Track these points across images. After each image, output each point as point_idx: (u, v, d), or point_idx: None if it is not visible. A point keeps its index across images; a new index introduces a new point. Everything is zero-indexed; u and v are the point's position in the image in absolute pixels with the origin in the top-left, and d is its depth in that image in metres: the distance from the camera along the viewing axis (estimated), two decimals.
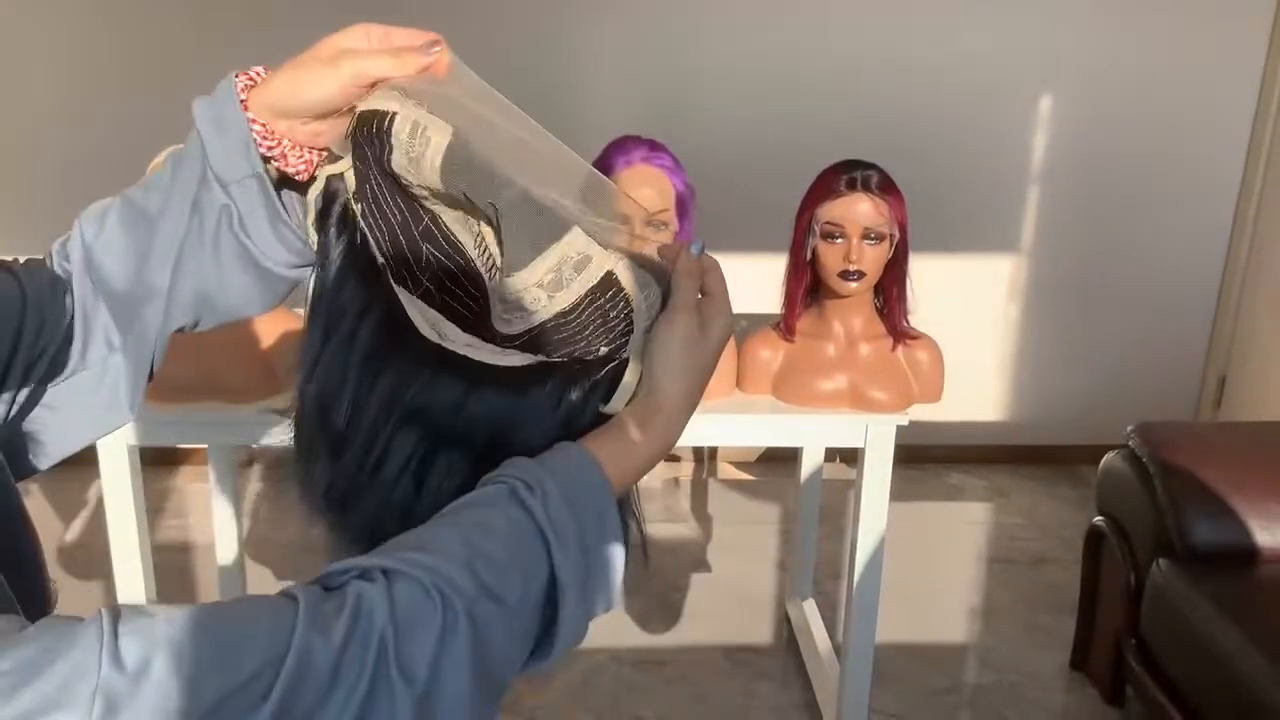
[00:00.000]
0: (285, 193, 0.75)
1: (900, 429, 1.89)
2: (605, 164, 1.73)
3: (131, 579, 1.92)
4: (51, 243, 0.77)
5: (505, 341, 0.73)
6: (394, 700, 0.54)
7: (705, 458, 3.62)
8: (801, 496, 2.52)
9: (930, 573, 2.88)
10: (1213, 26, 3.20)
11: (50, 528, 3.01)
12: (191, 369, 1.81)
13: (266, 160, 0.72)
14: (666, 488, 3.43)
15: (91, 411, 0.80)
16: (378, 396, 0.71)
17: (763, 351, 1.91)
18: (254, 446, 3.42)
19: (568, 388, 0.71)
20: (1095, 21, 3.19)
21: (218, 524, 2.46)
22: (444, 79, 0.71)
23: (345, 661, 0.53)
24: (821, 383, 1.87)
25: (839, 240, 1.78)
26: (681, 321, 0.71)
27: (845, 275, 1.79)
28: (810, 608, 2.58)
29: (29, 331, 0.72)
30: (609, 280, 0.71)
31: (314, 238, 0.75)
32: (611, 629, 2.59)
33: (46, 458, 0.79)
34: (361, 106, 0.70)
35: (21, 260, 0.76)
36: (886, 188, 1.78)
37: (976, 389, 3.50)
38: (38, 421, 0.77)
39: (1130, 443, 2.23)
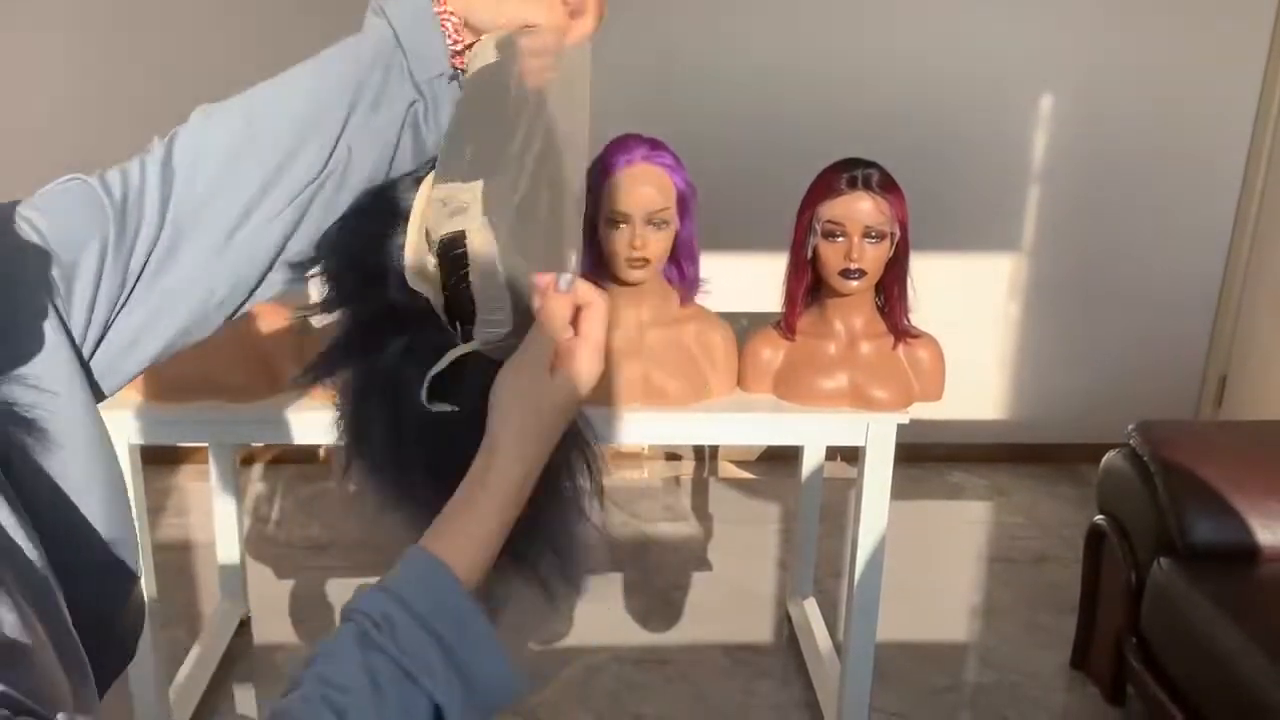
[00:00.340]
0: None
1: (901, 428, 1.89)
2: (606, 162, 1.73)
3: None
4: None
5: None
6: None
7: (706, 456, 3.62)
8: (802, 495, 2.52)
9: (931, 572, 2.88)
10: (1213, 25, 3.20)
11: None
12: (192, 368, 1.81)
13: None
14: (667, 486, 3.43)
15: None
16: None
17: (764, 350, 1.91)
18: (255, 445, 3.45)
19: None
20: (1096, 20, 3.19)
21: (218, 522, 2.46)
22: (563, 52, 0.77)
23: None
24: (822, 381, 1.87)
25: (840, 239, 1.78)
26: (526, 364, 0.71)
27: (846, 274, 1.79)
28: (811, 606, 2.58)
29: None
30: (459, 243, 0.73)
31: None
32: (612, 627, 2.59)
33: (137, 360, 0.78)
34: (472, 54, 0.77)
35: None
36: (887, 186, 1.78)
37: (977, 388, 3.50)
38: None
39: (1131, 441, 2.23)
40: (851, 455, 3.39)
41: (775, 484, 3.41)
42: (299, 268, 0.81)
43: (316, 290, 0.81)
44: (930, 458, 3.50)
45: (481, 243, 0.71)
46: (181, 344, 0.79)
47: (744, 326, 1.98)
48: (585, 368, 0.71)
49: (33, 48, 3.05)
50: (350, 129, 0.77)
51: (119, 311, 0.74)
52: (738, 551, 3.01)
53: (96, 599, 0.70)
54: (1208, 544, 2.03)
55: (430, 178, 0.76)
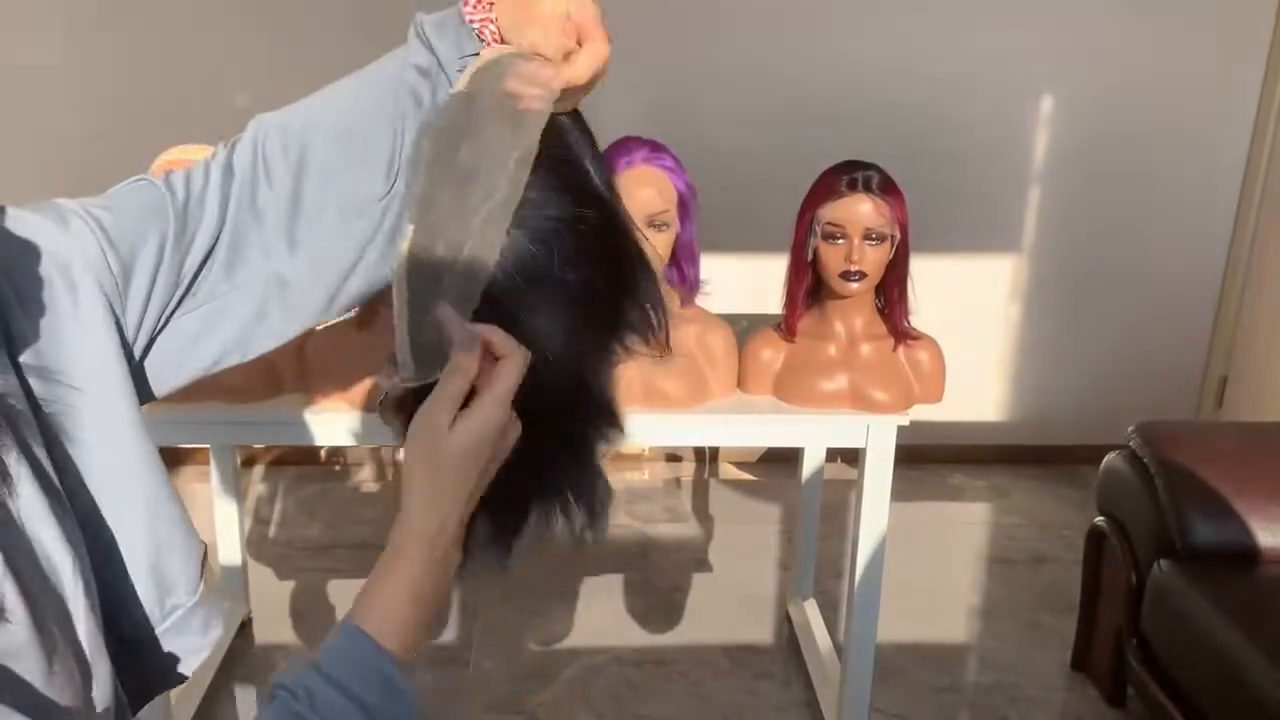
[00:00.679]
0: None
1: (901, 429, 1.89)
2: (607, 165, 1.73)
3: None
4: None
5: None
6: None
7: (706, 458, 3.62)
8: (803, 496, 2.52)
9: (931, 572, 2.88)
10: (1214, 27, 3.20)
11: None
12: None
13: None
14: (668, 488, 3.43)
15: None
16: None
17: (764, 352, 1.91)
18: (256, 446, 3.45)
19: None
20: (1096, 22, 3.19)
21: (219, 524, 2.46)
22: (539, 90, 0.75)
23: None
24: (823, 383, 1.88)
25: (840, 241, 1.79)
26: (423, 424, 0.72)
27: (846, 276, 1.79)
28: (811, 607, 2.59)
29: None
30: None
31: None
32: (613, 628, 2.59)
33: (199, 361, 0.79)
34: (476, 64, 0.76)
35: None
36: (887, 188, 1.78)
37: (977, 389, 3.50)
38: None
39: (1131, 443, 2.23)
40: (852, 457, 3.39)
41: (776, 485, 3.41)
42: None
43: None
44: (930, 459, 3.51)
45: (397, 292, 0.73)
46: (234, 358, 0.79)
47: (744, 328, 1.98)
48: (480, 416, 0.71)
49: (34, 47, 3.05)
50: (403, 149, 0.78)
51: (173, 313, 0.75)
52: (738, 552, 3.01)
53: (130, 612, 0.70)
54: (1208, 545, 2.03)
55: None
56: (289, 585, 2.76)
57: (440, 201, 0.73)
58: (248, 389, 1.83)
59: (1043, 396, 3.54)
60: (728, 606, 2.71)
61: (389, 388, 0.76)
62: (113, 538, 0.69)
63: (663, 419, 1.86)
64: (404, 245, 0.73)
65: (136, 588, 0.70)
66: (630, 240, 0.83)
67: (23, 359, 0.64)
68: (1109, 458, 2.32)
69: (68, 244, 0.69)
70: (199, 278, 0.75)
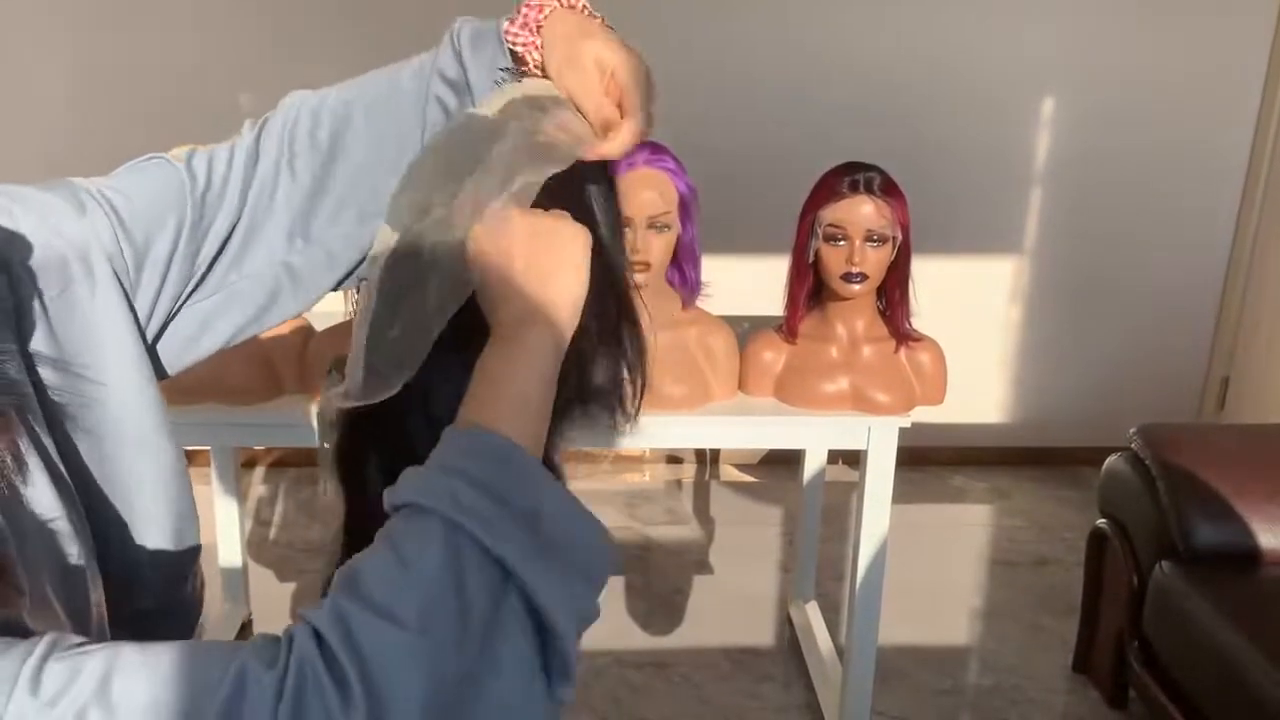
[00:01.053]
0: None
1: (902, 431, 1.89)
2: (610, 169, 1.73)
3: None
4: None
5: None
6: None
7: (708, 460, 3.62)
8: (804, 498, 2.52)
9: (932, 574, 2.88)
10: (1215, 27, 3.20)
11: None
12: (194, 370, 1.81)
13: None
14: (669, 489, 3.43)
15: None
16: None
17: (765, 353, 1.91)
18: (256, 448, 3.45)
19: None
20: (1097, 23, 3.19)
21: (220, 525, 2.46)
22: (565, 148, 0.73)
23: (287, 689, 0.52)
24: (824, 385, 1.87)
25: (841, 243, 1.78)
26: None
27: (848, 278, 1.79)
28: (813, 609, 2.58)
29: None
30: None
31: None
32: (614, 631, 2.59)
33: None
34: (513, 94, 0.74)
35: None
36: (889, 190, 1.78)
37: (979, 391, 3.50)
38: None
39: (1133, 444, 2.23)
40: (853, 458, 3.38)
41: (777, 487, 3.41)
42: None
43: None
44: (932, 461, 3.50)
45: (363, 302, 0.72)
46: (249, 333, 0.80)
47: (745, 330, 1.98)
48: (550, 214, 0.71)
49: (35, 47, 3.05)
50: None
51: (186, 301, 0.75)
52: (739, 555, 3.01)
53: (148, 584, 0.71)
54: (1210, 547, 2.02)
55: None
56: (289, 587, 2.76)
57: (432, 214, 0.72)
58: (248, 390, 1.83)
59: (1044, 398, 3.54)
60: (729, 609, 2.71)
61: (329, 399, 0.74)
62: (130, 520, 0.70)
63: (664, 420, 1.85)
64: (381, 249, 0.72)
65: (159, 556, 0.71)
66: (626, 300, 0.81)
67: (38, 348, 0.65)
68: (1110, 459, 2.32)
69: (85, 229, 0.68)
70: (212, 269, 0.75)
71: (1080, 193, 3.34)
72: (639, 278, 1.77)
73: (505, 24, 0.76)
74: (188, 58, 3.03)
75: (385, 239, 0.72)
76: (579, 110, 0.74)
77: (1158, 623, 2.08)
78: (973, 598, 2.79)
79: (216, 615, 2.52)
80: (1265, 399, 3.24)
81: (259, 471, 3.45)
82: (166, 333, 0.75)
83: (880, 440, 1.88)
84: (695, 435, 2.13)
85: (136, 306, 0.71)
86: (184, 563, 0.74)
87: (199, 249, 0.73)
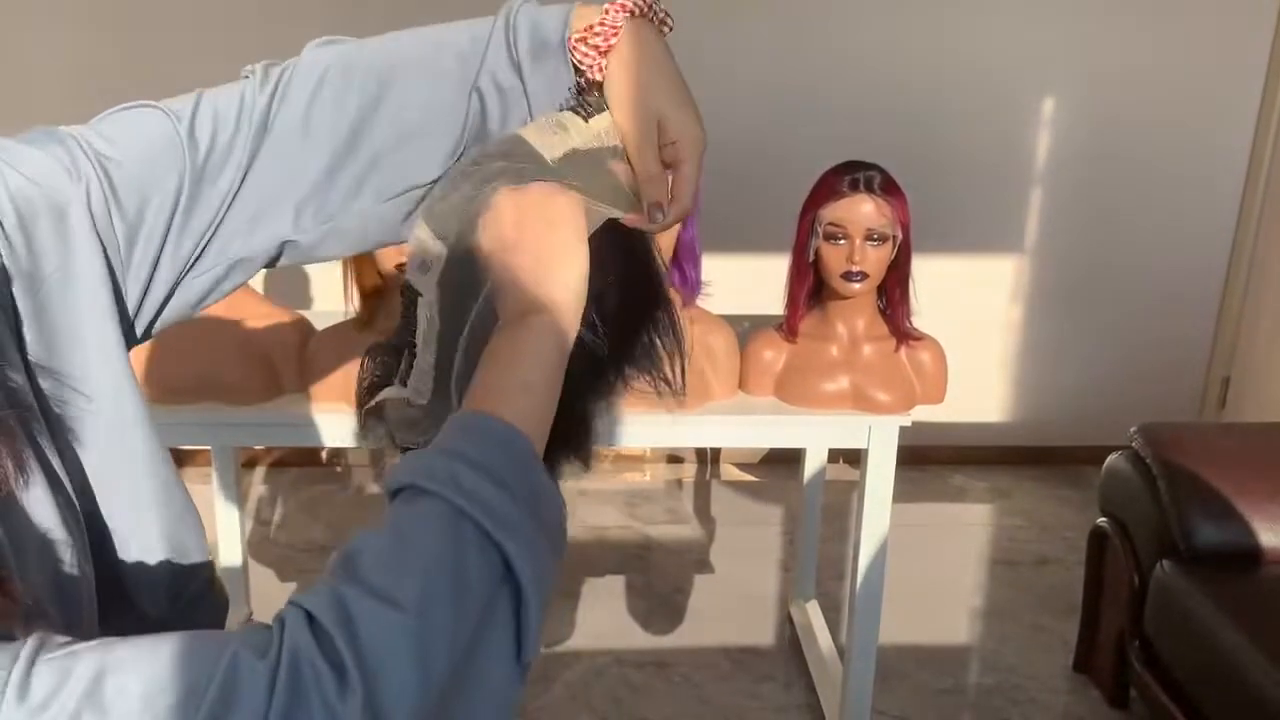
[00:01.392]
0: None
1: (903, 430, 1.88)
2: None
3: None
4: None
5: None
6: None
7: (708, 459, 3.62)
8: (804, 498, 2.52)
9: (933, 574, 2.88)
10: (1216, 27, 3.20)
11: None
12: (193, 370, 1.81)
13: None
14: (669, 489, 3.43)
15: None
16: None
17: (765, 353, 1.91)
18: (257, 448, 3.45)
19: None
20: (1098, 22, 3.19)
21: (220, 525, 2.46)
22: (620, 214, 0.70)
23: (280, 677, 0.51)
24: (824, 384, 1.87)
25: (841, 241, 1.78)
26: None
27: (848, 276, 1.79)
28: (813, 609, 2.58)
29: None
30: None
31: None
32: (614, 630, 2.59)
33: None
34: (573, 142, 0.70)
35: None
36: (889, 189, 1.78)
37: (979, 390, 3.50)
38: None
39: (1133, 444, 2.23)
40: (854, 457, 3.38)
41: (777, 486, 3.41)
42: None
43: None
44: (932, 460, 3.50)
45: (426, 317, 0.69)
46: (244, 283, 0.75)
47: (746, 329, 1.98)
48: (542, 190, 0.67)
49: (37, 46, 3.05)
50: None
51: (181, 278, 0.70)
52: (740, 554, 3.00)
53: (150, 589, 0.69)
54: (1210, 546, 2.02)
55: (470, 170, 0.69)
56: (290, 587, 2.76)
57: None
58: (247, 390, 1.83)
59: (1045, 397, 3.54)
60: (729, 608, 2.71)
61: (389, 398, 0.71)
62: (127, 527, 0.68)
63: (664, 420, 1.85)
64: (429, 257, 0.68)
65: (155, 561, 0.69)
66: (653, 266, 0.77)
67: (33, 358, 0.62)
68: (1111, 459, 2.31)
69: (77, 196, 0.63)
70: (210, 244, 0.69)
71: (1081, 192, 3.34)
72: None
73: (570, 36, 0.70)
74: (187, 54, 3.03)
75: (430, 248, 0.68)
76: (628, 158, 0.71)
77: (1159, 622, 2.08)
78: (973, 597, 2.79)
79: None
80: (1266, 398, 3.24)
81: (259, 471, 3.45)
82: (165, 311, 0.71)
83: (881, 439, 1.88)
84: (696, 434, 2.13)
85: (126, 288, 0.67)
86: (183, 571, 0.71)
87: (189, 223, 0.68)
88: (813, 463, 2.49)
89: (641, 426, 1.86)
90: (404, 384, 0.70)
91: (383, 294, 1.79)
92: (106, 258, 0.65)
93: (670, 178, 0.73)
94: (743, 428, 1.92)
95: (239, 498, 2.48)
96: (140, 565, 0.69)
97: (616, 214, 0.70)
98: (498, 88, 0.71)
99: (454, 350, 0.68)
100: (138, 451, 0.68)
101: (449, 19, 0.76)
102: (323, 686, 0.50)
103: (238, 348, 1.83)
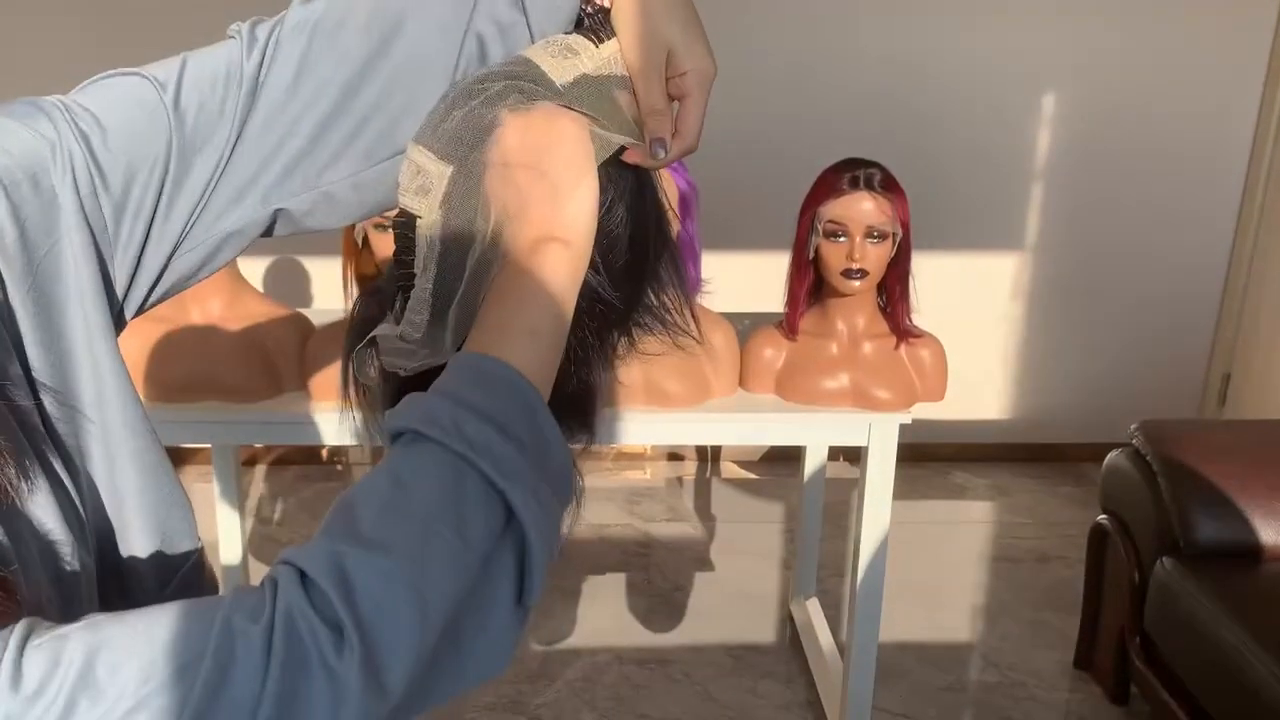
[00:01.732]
0: None
1: (903, 427, 1.88)
2: None
3: None
4: None
5: None
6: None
7: (709, 457, 3.62)
8: (805, 495, 2.52)
9: (934, 571, 2.88)
10: (1216, 24, 3.19)
11: None
12: (194, 368, 1.81)
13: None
14: (670, 487, 3.43)
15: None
16: None
17: (766, 350, 1.91)
18: (257, 446, 3.45)
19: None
20: (1098, 18, 3.18)
21: (221, 524, 2.46)
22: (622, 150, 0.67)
23: (276, 640, 0.49)
24: (825, 381, 1.87)
25: (842, 239, 1.78)
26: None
27: (848, 274, 1.79)
28: (814, 606, 2.58)
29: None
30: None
31: None
32: (615, 628, 2.59)
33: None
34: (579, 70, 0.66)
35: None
36: (889, 186, 1.78)
37: (980, 387, 3.50)
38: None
39: (1134, 441, 2.23)
40: (854, 455, 3.39)
41: (778, 484, 3.41)
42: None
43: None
44: (933, 457, 3.50)
45: (426, 240, 0.65)
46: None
47: (746, 326, 1.98)
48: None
49: (48, 32, 3.05)
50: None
51: (177, 248, 0.67)
52: (740, 552, 3.00)
53: (141, 578, 0.68)
54: (1211, 543, 2.02)
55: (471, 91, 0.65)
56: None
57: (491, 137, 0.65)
58: (247, 388, 1.83)
59: (1045, 395, 3.54)
60: (730, 606, 2.71)
61: (382, 335, 0.67)
62: (111, 511, 0.66)
63: (664, 418, 1.85)
64: (428, 180, 0.64)
65: (141, 547, 0.67)
66: (662, 204, 0.73)
67: (29, 351, 0.60)
68: (1111, 456, 2.31)
69: (61, 175, 0.60)
70: (199, 218, 0.66)
71: (1081, 190, 3.34)
72: None
73: None
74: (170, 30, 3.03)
75: (430, 169, 0.64)
76: (633, 91, 0.67)
77: (1159, 619, 2.08)
78: (974, 594, 2.79)
79: None
80: (1266, 395, 3.24)
81: (260, 469, 3.45)
82: (155, 292, 0.68)
83: (881, 437, 1.88)
84: (696, 432, 2.13)
85: (115, 271, 0.64)
86: (171, 557, 0.69)
87: (182, 197, 0.65)
88: (813, 460, 2.49)
89: (642, 424, 1.86)
90: (398, 322, 0.67)
91: (382, 294, 1.78)
92: (94, 238, 0.62)
93: (675, 111, 0.70)
94: (743, 425, 1.92)
95: (239, 496, 2.48)
96: (127, 552, 0.67)
97: (624, 143, 0.67)
98: (499, 26, 0.67)
99: (455, 275, 0.64)
100: (120, 435, 0.65)
101: None
102: (320, 645, 0.49)
103: (238, 346, 1.83)
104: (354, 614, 0.49)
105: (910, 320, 1.89)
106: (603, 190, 0.65)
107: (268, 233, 0.71)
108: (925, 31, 3.17)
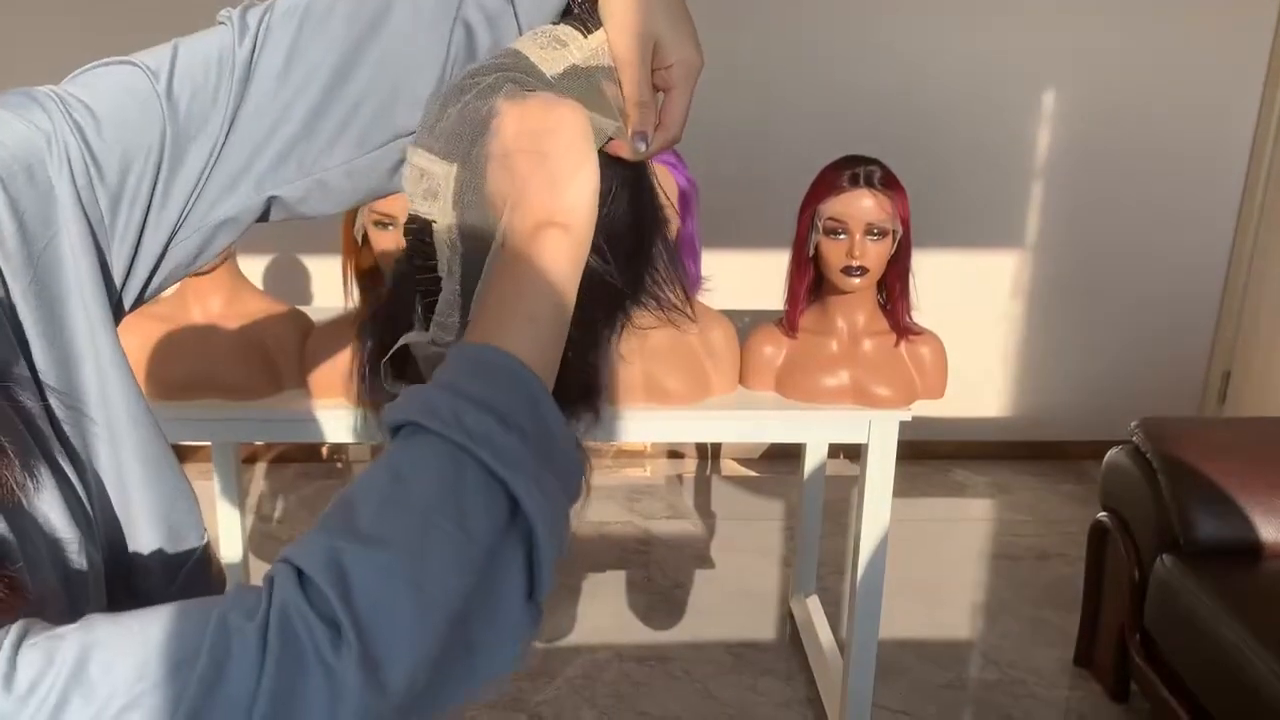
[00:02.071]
0: None
1: (903, 425, 1.88)
2: None
3: None
4: None
5: None
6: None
7: (709, 454, 3.62)
8: (805, 493, 2.52)
9: (934, 569, 2.88)
10: (1217, 22, 3.19)
11: None
12: (194, 366, 1.81)
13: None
14: (670, 484, 3.43)
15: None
16: None
17: (766, 348, 1.91)
18: (257, 444, 3.45)
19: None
20: (1099, 16, 3.18)
21: (221, 521, 2.46)
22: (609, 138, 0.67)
23: (271, 637, 0.48)
24: (825, 379, 1.87)
25: (842, 236, 1.78)
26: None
27: (848, 271, 1.79)
28: (814, 604, 2.58)
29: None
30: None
31: None
32: (615, 625, 2.59)
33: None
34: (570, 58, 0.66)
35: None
36: (889, 183, 1.78)
37: (980, 385, 3.49)
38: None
39: (1134, 438, 2.22)
40: (854, 452, 3.39)
41: (778, 481, 3.41)
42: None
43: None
44: (933, 455, 3.50)
45: (447, 243, 0.64)
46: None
47: (746, 324, 1.98)
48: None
49: (42, 17, 3.05)
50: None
51: (174, 236, 0.66)
52: (740, 549, 3.00)
53: (148, 571, 0.67)
54: (1211, 540, 2.02)
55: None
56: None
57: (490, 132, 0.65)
58: (248, 386, 1.83)
59: (1045, 392, 3.54)
60: (730, 603, 2.71)
61: (413, 342, 0.67)
62: (116, 507, 0.66)
63: (665, 415, 1.85)
64: (435, 183, 0.64)
65: (147, 542, 0.67)
66: (656, 189, 0.73)
67: (32, 345, 0.60)
68: (1112, 453, 2.31)
69: (58, 167, 0.60)
70: (194, 206, 0.66)
71: (1082, 188, 3.33)
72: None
73: None
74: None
75: (435, 171, 0.64)
76: (618, 82, 0.67)
77: (1159, 616, 2.08)
78: (974, 592, 2.79)
79: None
80: (1266, 393, 3.24)
81: (260, 467, 3.45)
82: (153, 282, 0.68)
83: (881, 434, 1.88)
84: (696, 430, 2.12)
85: (112, 262, 0.63)
86: (178, 552, 0.69)
87: (177, 186, 0.64)
88: (813, 458, 2.49)
89: (642, 421, 1.86)
90: (425, 327, 0.67)
91: (381, 287, 1.78)
92: (92, 229, 0.62)
93: (660, 103, 0.69)
94: (743, 423, 1.92)
95: (240, 494, 2.48)
96: (135, 547, 0.67)
97: (613, 130, 0.66)
98: (486, 15, 0.67)
99: (479, 273, 0.64)
100: (124, 429, 0.65)
101: None
102: (316, 642, 0.48)
103: (238, 344, 1.83)
104: (351, 610, 0.49)
105: (910, 317, 1.89)
106: (606, 177, 0.64)
107: (263, 219, 0.70)
108: (926, 30, 3.17)
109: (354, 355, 0.69)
